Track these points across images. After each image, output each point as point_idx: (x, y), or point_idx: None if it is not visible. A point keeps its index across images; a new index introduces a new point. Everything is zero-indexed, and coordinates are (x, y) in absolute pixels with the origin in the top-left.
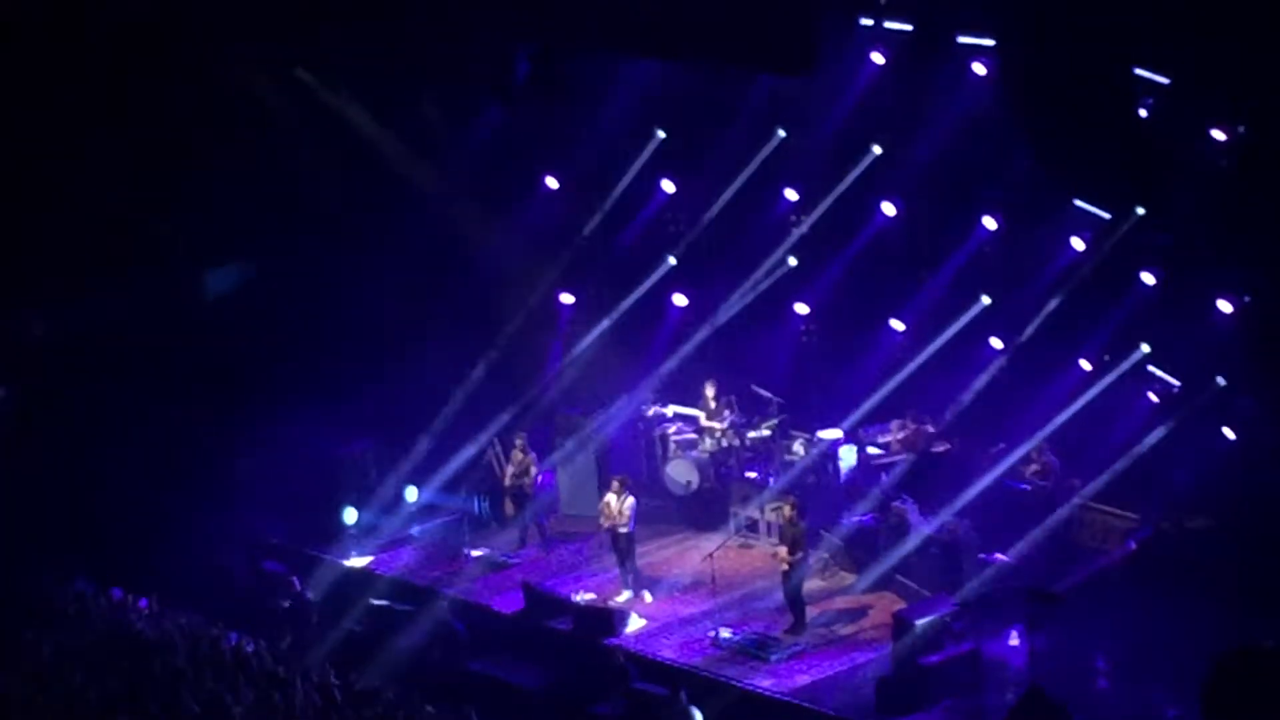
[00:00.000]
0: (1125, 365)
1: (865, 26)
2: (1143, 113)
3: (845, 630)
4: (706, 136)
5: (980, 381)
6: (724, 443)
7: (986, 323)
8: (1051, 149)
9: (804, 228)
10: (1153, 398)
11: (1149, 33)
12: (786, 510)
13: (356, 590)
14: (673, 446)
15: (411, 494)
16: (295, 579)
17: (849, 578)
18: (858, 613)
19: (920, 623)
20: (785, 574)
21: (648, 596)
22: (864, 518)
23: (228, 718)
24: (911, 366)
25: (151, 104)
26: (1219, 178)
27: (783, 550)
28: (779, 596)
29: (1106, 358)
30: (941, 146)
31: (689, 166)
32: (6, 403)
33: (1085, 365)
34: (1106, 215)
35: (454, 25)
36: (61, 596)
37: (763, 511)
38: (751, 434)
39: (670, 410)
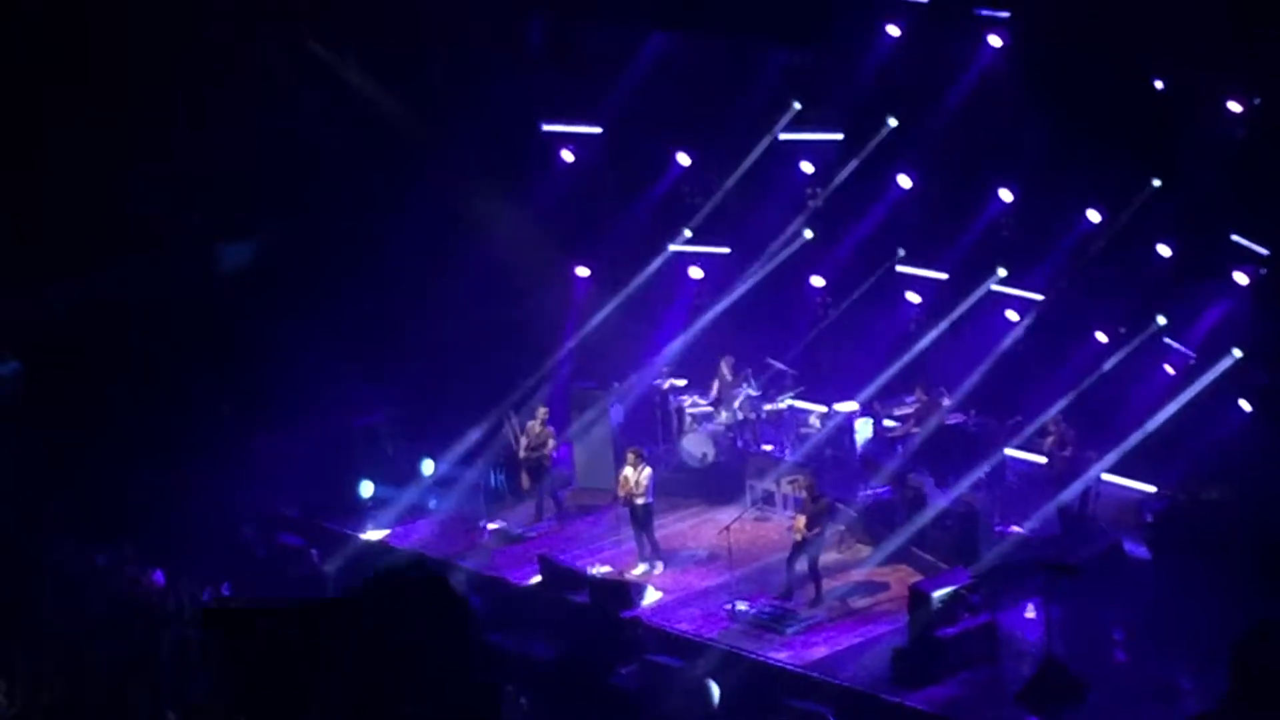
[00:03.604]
0: (1141, 337)
1: None
2: (1158, 84)
3: (862, 603)
4: (722, 109)
5: (996, 354)
6: (740, 415)
7: (1003, 295)
8: (1067, 121)
9: (820, 200)
10: (1169, 370)
11: (1164, 4)
12: (802, 485)
13: (373, 563)
14: (688, 419)
15: (428, 467)
16: (313, 551)
17: (865, 550)
18: (874, 585)
19: (936, 595)
20: (798, 544)
21: (659, 568)
22: (880, 490)
23: None
24: (927, 341)
25: (161, 79)
26: (1235, 149)
27: (800, 520)
28: (795, 569)
29: (1122, 330)
30: (957, 119)
31: (705, 139)
32: (21, 377)
33: (1101, 337)
34: (1123, 186)
35: None
36: (77, 568)
37: (779, 485)
38: (767, 407)
39: (683, 382)
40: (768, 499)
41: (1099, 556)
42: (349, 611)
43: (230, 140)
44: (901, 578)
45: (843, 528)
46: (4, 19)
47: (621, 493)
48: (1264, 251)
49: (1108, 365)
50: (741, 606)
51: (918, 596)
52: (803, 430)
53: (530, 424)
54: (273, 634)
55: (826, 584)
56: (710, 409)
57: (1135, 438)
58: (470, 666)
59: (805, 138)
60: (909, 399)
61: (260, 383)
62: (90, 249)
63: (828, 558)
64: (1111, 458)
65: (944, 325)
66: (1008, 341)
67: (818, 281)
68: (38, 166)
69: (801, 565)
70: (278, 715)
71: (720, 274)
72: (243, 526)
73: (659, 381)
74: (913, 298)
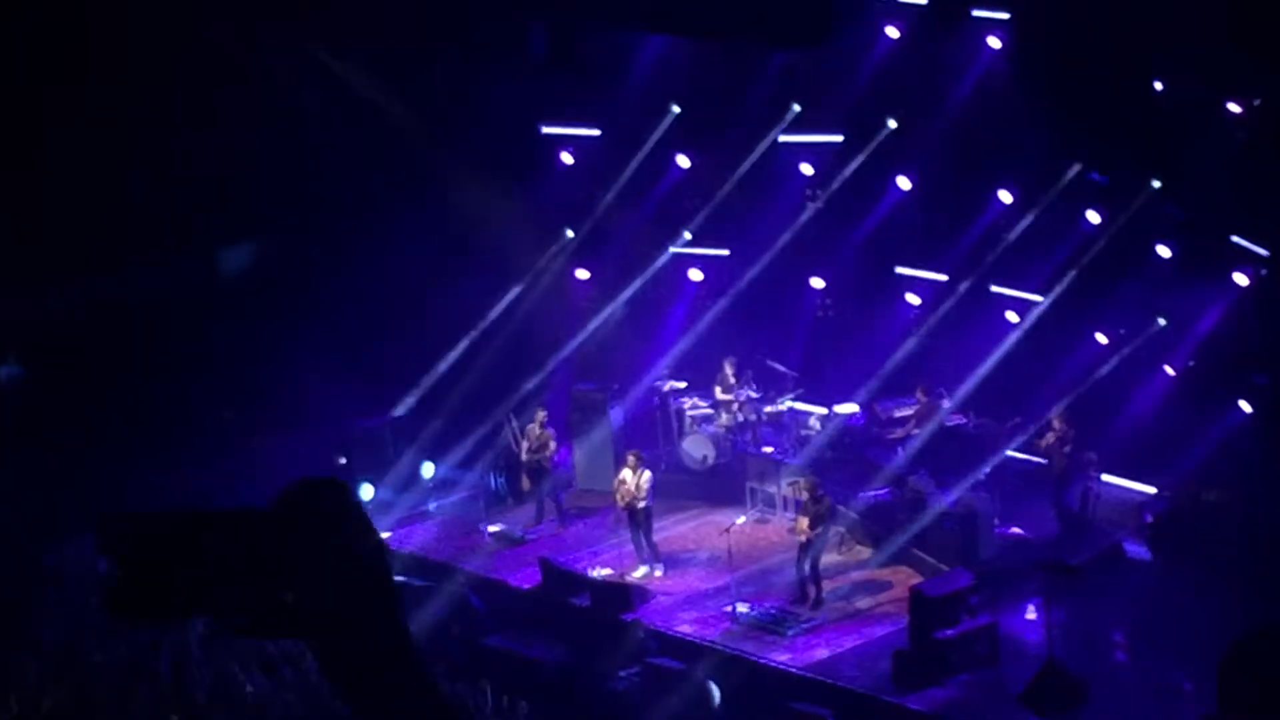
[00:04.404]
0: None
1: (880, 1)
2: (1158, 85)
3: (862, 605)
4: (722, 111)
5: (996, 356)
6: (740, 417)
7: (1002, 296)
8: (1067, 122)
9: (819, 202)
10: (1169, 371)
11: (1163, 5)
12: (804, 487)
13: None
14: (689, 421)
15: (428, 470)
16: None
17: (866, 552)
18: (875, 587)
19: (937, 597)
20: (802, 545)
21: (658, 572)
22: (880, 492)
23: (239, 695)
24: (926, 343)
25: (161, 78)
26: (1235, 150)
27: (803, 522)
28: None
29: (1122, 331)
30: (956, 121)
31: (704, 141)
32: (20, 380)
33: (1101, 339)
34: (1122, 188)
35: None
36: (77, 571)
37: (780, 486)
38: (768, 409)
39: (683, 384)
40: (769, 501)
41: (1099, 558)
42: (247, 521)
43: (231, 141)
44: (902, 579)
45: (843, 529)
46: (4, 19)
47: (621, 498)
48: (1264, 252)
49: (1107, 367)
50: (742, 609)
51: (918, 598)
52: (803, 432)
53: (530, 427)
54: (171, 538)
55: (827, 585)
56: (710, 411)
57: (1136, 439)
58: (371, 592)
59: (805, 140)
60: (909, 401)
61: (261, 385)
62: (90, 250)
63: (828, 559)
64: (1112, 459)
65: (944, 327)
66: (1008, 343)
67: (817, 283)
68: (38, 167)
69: (804, 566)
70: (174, 616)
71: (720, 276)
72: None
73: (659, 383)
74: (912, 299)
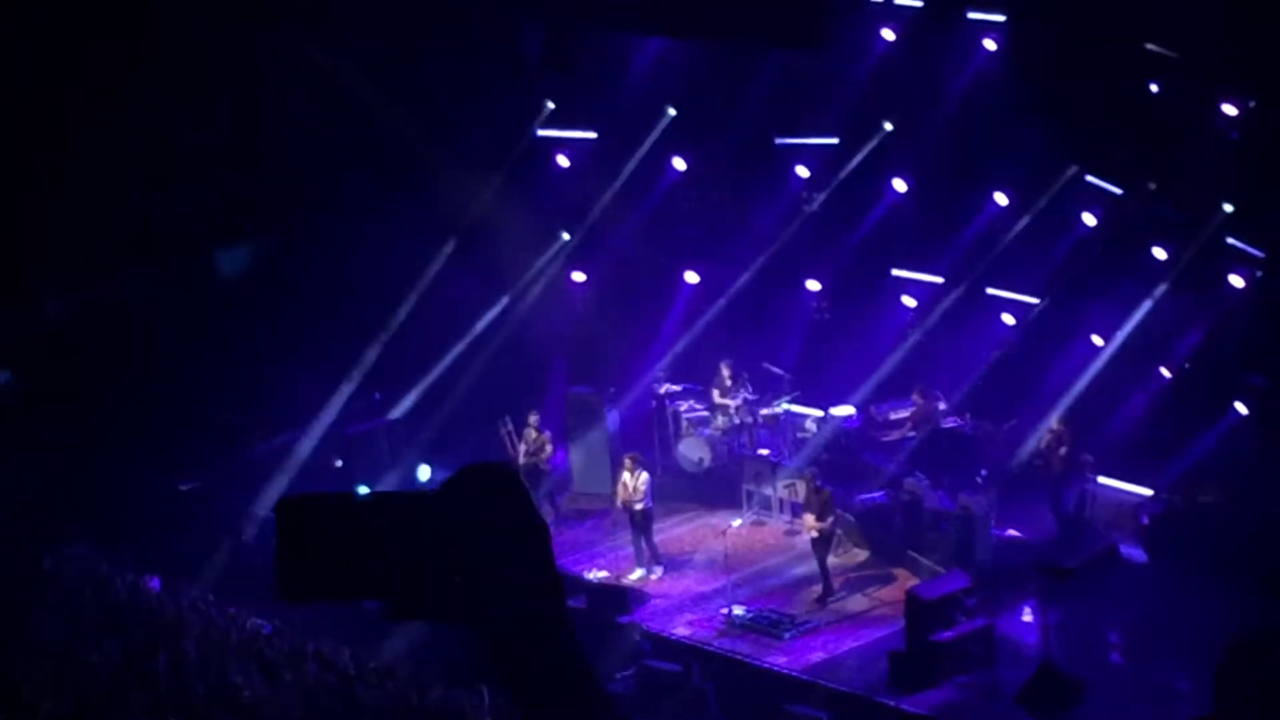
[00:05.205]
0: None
1: (876, 3)
2: (1153, 87)
3: (859, 607)
4: (718, 114)
5: (992, 358)
6: (737, 420)
7: (999, 298)
8: (1063, 125)
9: (815, 204)
10: (1165, 373)
11: (1158, 6)
12: (804, 485)
13: None
14: (685, 424)
15: (424, 472)
16: None
17: (862, 555)
18: (871, 589)
19: (933, 599)
20: (814, 541)
21: (655, 574)
22: (877, 495)
23: (236, 699)
24: (923, 345)
25: (160, 84)
26: (1230, 151)
27: (810, 519)
28: (792, 573)
29: (1118, 333)
30: (952, 122)
31: (700, 144)
32: (12, 386)
33: (1097, 340)
34: (1118, 190)
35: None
36: (75, 574)
37: (776, 489)
38: (764, 411)
39: (679, 387)
40: (765, 504)
41: (1096, 560)
42: (419, 504)
43: (227, 144)
44: (899, 582)
45: (840, 532)
46: (2, 21)
47: (620, 500)
48: (1260, 254)
49: (1103, 367)
50: (739, 611)
51: (915, 600)
52: (799, 435)
53: (526, 430)
54: (341, 521)
55: (820, 588)
56: (706, 413)
57: (1131, 440)
58: (536, 574)
59: (800, 142)
60: (905, 403)
61: (259, 388)
62: (88, 252)
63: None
64: (1107, 460)
65: (940, 329)
66: (1004, 345)
67: (814, 285)
68: (35, 167)
69: (820, 558)
70: (343, 598)
71: (716, 278)
72: (243, 531)
73: (655, 386)
74: (908, 301)
